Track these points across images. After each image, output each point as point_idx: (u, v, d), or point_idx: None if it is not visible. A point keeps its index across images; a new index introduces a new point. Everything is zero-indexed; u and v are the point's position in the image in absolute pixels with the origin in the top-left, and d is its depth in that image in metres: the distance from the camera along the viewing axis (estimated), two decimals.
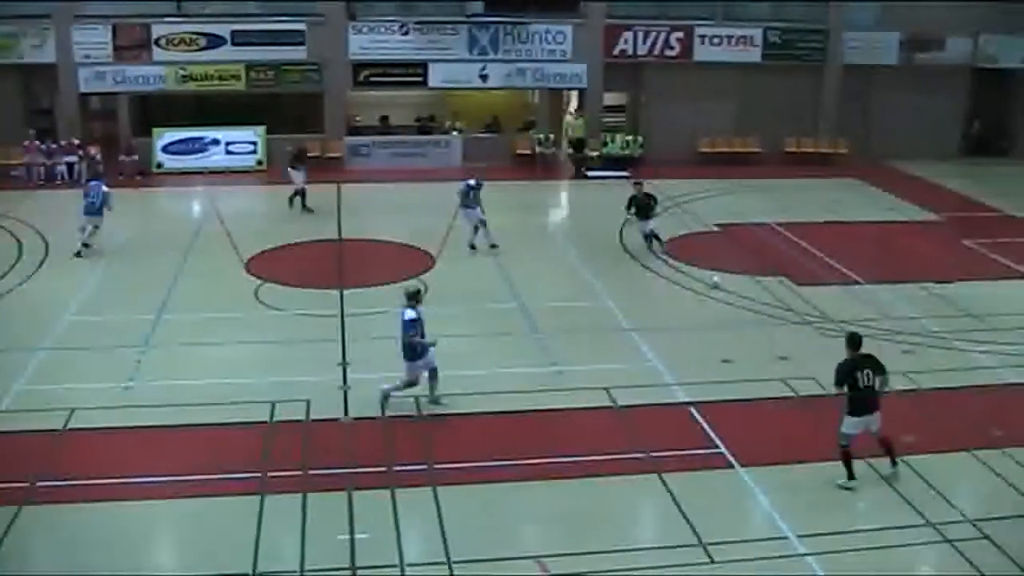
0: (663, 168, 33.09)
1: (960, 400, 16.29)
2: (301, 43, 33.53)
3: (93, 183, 24.36)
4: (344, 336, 18.61)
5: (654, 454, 14.26)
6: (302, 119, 34.28)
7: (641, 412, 15.70)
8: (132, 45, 32.68)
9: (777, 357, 17.79)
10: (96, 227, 23.69)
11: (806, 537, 12.28)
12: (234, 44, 33.10)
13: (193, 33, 32.87)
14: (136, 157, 32.39)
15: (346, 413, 15.52)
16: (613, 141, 34.93)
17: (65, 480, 13.31)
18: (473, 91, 35.92)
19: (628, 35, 35.23)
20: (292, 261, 23.84)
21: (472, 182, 24.11)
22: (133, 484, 13.28)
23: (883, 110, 36.91)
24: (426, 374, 15.52)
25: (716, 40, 35.68)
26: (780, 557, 11.94)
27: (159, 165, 33.13)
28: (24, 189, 30.35)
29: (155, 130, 33.25)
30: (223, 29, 33.00)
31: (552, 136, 35.67)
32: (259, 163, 33.60)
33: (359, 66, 34.05)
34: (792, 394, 16.40)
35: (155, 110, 34.52)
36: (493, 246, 23.92)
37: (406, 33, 33.99)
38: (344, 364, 17.29)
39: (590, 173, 33.91)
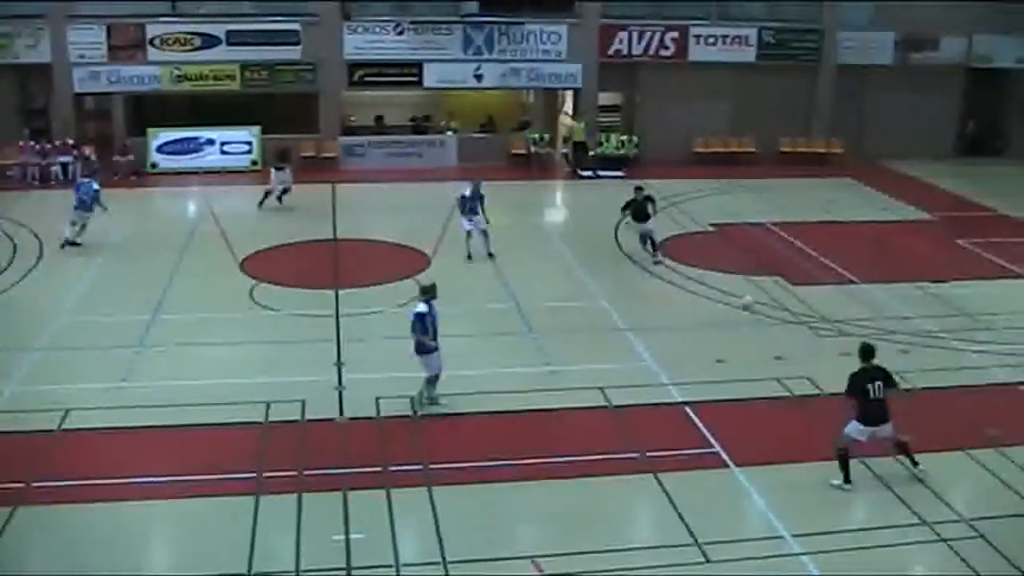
0: (658, 168, 33.17)
1: (955, 399, 16.32)
2: (296, 43, 33.49)
3: (84, 180, 24.63)
4: (339, 336, 18.60)
5: (649, 454, 14.27)
6: (297, 119, 34.21)
7: (636, 412, 15.72)
8: (127, 45, 32.61)
9: (772, 357, 17.82)
10: (84, 225, 24.00)
11: (801, 536, 12.30)
12: (229, 44, 33.05)
13: (188, 33, 32.81)
14: (131, 157, 32.32)
15: (341, 413, 15.52)
16: (608, 141, 34.94)
17: (60, 480, 13.29)
18: (468, 91, 35.91)
19: (623, 35, 35.22)
20: (287, 261, 23.82)
21: (468, 192, 23.59)
22: (128, 484, 13.26)
23: (877, 110, 36.96)
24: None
25: (711, 40, 35.69)
26: (775, 556, 11.96)
27: (154, 165, 33.06)
28: (19, 189, 30.28)
29: (150, 130, 33.17)
30: (218, 29, 32.93)
31: (547, 136, 35.67)
32: (254, 163, 33.50)
33: (354, 66, 34.01)
34: (787, 394, 16.43)
35: (150, 110, 34.41)
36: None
37: (401, 33, 33.97)
38: (339, 364, 17.28)
39: (584, 173, 33.92)
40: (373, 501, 12.94)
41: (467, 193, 23.68)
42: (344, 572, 11.54)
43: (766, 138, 36.09)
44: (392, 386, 16.04)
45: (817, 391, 16.46)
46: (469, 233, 23.50)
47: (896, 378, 13.78)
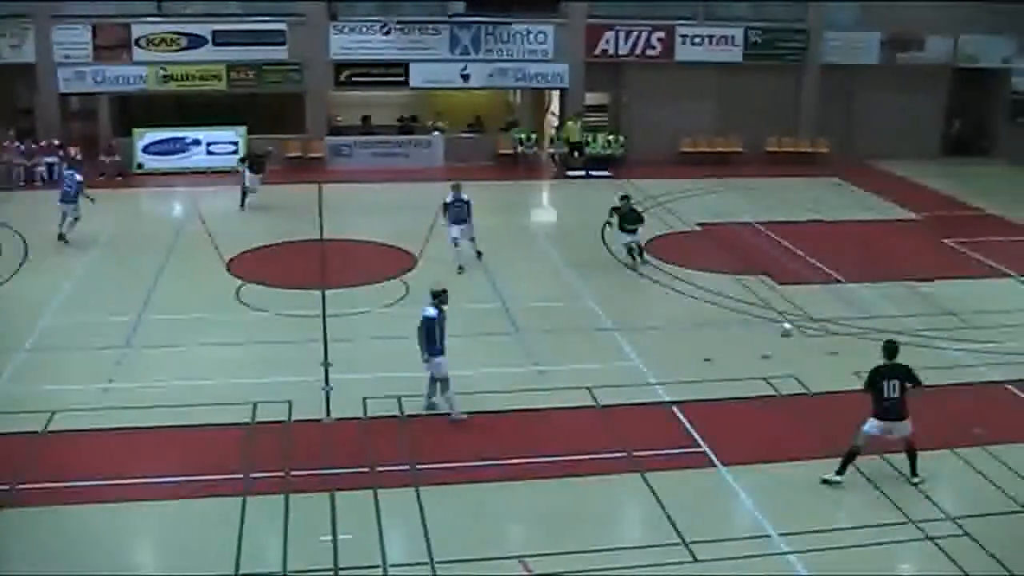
0: (645, 168, 33.27)
1: (941, 398, 16.33)
2: (282, 43, 33.42)
3: (67, 172, 25.10)
4: (326, 336, 18.56)
5: (636, 453, 14.29)
6: (283, 119, 34.17)
7: (623, 411, 15.74)
8: (112, 45, 32.49)
9: (759, 356, 17.84)
10: (76, 219, 24.27)
11: (788, 535, 12.34)
12: (215, 44, 32.95)
13: (174, 33, 32.70)
14: (117, 157, 32.20)
15: (328, 414, 15.49)
16: (595, 141, 34.94)
17: (46, 482, 13.23)
18: (455, 91, 35.90)
19: (609, 35, 35.24)
20: (274, 261, 23.75)
21: (449, 199, 23.06)
22: (114, 486, 13.21)
23: (864, 110, 37.06)
24: (430, 374, 15.45)
25: (697, 40, 35.73)
26: (762, 555, 11.99)
27: (140, 166, 32.93)
28: (3, 190, 30.11)
29: (136, 130, 33.05)
30: (204, 29, 32.83)
31: (535, 136, 35.67)
32: (240, 163, 33.38)
33: (340, 66, 33.95)
34: (774, 393, 16.46)
35: (136, 110, 34.31)
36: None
37: (387, 33, 33.93)
38: (326, 364, 17.25)
39: (571, 172, 33.91)
40: (360, 501, 12.92)
41: (448, 199, 23.29)
42: (331, 573, 11.52)
43: (753, 138, 36.13)
44: (379, 386, 16.07)
45: (804, 390, 16.50)
46: (455, 241, 23.02)
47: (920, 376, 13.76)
